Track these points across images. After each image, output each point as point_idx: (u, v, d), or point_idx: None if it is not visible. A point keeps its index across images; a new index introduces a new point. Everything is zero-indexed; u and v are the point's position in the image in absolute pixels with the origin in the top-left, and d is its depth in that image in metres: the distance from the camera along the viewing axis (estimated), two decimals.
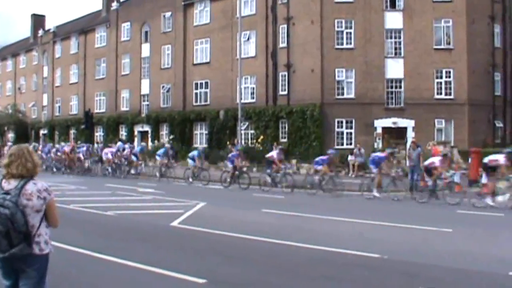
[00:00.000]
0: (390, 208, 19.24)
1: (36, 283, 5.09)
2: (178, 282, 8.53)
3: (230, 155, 28.98)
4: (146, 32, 53.69)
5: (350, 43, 39.69)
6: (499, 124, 39.99)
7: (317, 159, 25.35)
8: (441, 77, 38.58)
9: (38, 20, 75.83)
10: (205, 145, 43.97)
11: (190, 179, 29.70)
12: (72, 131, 60.65)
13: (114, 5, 56.98)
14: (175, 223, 14.60)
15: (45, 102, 67.88)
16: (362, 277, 9.15)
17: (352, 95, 39.59)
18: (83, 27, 62.27)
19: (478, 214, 16.93)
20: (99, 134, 56.96)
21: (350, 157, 34.96)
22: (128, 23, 55.30)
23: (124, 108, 55.65)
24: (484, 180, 19.87)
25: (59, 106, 65.14)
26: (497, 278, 8.95)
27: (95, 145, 42.70)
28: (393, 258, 10.34)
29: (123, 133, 54.47)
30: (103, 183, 28.47)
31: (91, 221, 15.10)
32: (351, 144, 38.13)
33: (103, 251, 10.48)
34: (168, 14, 50.74)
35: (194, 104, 48.32)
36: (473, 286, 8.39)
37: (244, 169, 27.78)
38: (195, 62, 48.63)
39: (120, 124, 55.41)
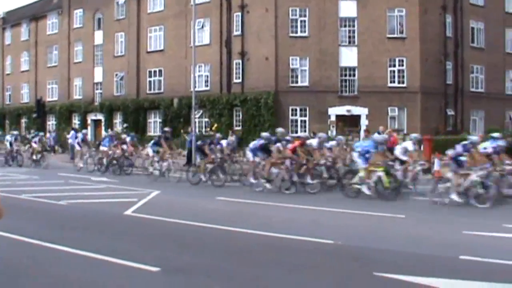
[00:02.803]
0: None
1: None
2: (131, 271, 8.46)
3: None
4: (99, 19, 52.72)
5: (304, 31, 39.76)
6: (450, 112, 40.60)
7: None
8: (394, 66, 38.95)
9: None
10: (159, 133, 43.50)
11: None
12: (24, 120, 59.35)
13: None
14: (128, 212, 14.47)
15: None
16: (315, 262, 9.22)
17: (306, 83, 39.71)
18: (34, 13, 60.66)
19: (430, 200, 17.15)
20: (51, 123, 55.81)
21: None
22: (81, 10, 54.19)
23: (77, 96, 54.66)
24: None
25: (9, 95, 63.58)
26: (449, 262, 9.13)
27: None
28: (347, 244, 10.44)
29: (76, 121, 53.52)
30: (56, 172, 28.03)
31: (44, 211, 14.85)
32: (305, 131, 38.18)
33: (57, 241, 10.30)
34: (121, 1, 49.92)
35: (148, 92, 47.80)
36: (426, 269, 8.50)
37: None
38: (148, 49, 48.09)
39: (73, 112, 54.40)
